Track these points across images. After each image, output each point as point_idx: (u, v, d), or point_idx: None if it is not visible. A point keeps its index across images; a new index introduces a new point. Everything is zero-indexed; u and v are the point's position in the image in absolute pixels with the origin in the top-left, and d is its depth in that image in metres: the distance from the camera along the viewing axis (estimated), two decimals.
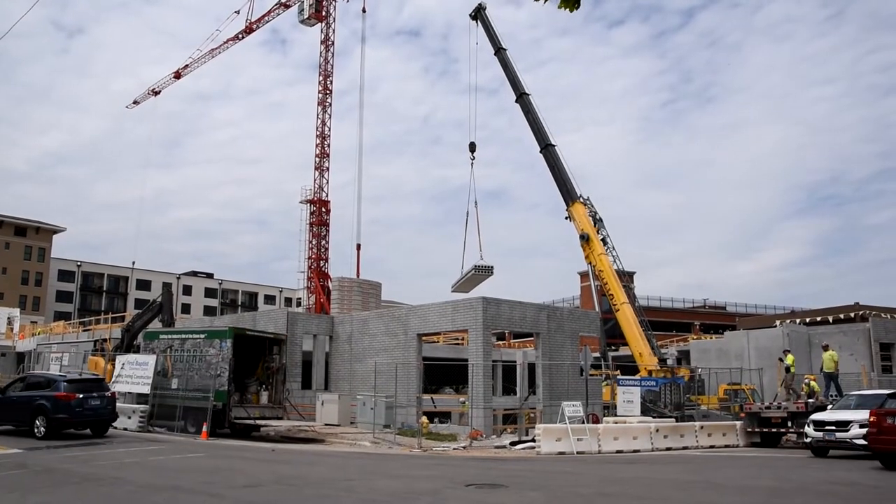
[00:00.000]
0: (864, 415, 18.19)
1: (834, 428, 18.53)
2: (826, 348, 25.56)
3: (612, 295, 30.42)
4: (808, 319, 57.34)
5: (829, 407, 20.98)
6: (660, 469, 16.19)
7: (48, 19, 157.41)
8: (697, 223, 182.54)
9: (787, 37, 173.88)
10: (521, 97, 34.97)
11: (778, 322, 55.19)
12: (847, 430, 18.17)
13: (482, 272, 35.50)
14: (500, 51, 36.26)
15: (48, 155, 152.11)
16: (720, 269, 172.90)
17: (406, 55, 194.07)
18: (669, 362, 35.42)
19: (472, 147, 38.61)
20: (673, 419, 23.71)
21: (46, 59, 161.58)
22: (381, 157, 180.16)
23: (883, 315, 51.21)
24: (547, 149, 33.63)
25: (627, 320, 29.90)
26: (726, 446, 22.07)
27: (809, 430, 19.07)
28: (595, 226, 31.50)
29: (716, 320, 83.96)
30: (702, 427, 22.51)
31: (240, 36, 59.15)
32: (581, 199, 32.20)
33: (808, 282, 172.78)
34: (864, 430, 17.70)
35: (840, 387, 24.92)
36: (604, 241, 31.23)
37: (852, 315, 56.70)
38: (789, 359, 25.47)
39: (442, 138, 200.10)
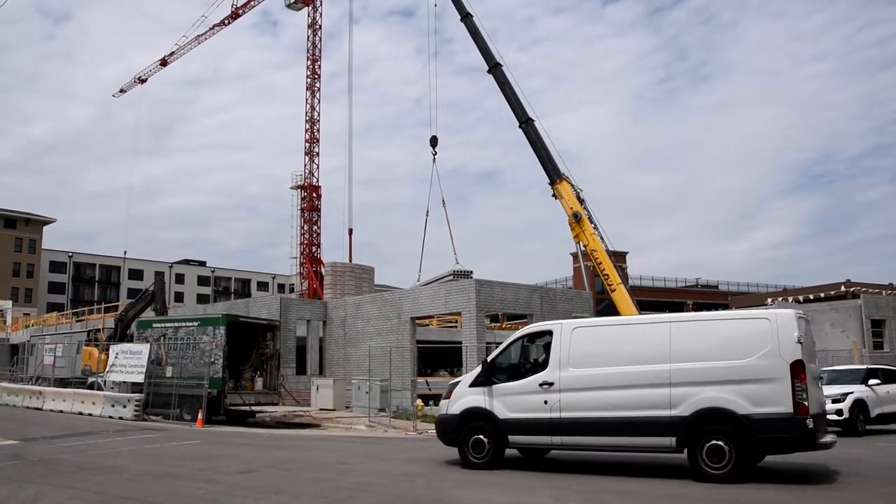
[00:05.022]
0: (836, 390, 17.77)
1: None
2: None
3: (606, 275, 30.20)
4: (800, 297, 57.67)
5: None
6: None
7: (33, 5, 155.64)
8: (690, 203, 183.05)
9: (781, 13, 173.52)
10: (495, 68, 32.73)
11: (770, 300, 55.48)
12: None
13: (460, 278, 34.23)
14: (466, 17, 33.60)
15: (36, 144, 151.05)
16: (713, 249, 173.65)
17: (398, 36, 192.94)
18: None
19: (434, 141, 35.59)
20: None
21: (32, 46, 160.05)
22: (373, 140, 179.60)
23: (874, 292, 51.53)
24: (527, 123, 31.87)
25: (626, 300, 29.71)
26: None
27: None
28: (581, 204, 31.03)
29: (708, 299, 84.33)
30: None
31: (226, 21, 58.70)
32: (565, 177, 31.57)
33: (799, 260, 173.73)
34: (837, 406, 17.36)
35: None
36: (589, 219, 30.75)
37: (844, 292, 57.04)
38: None
39: (435, 120, 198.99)
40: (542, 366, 11.87)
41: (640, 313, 29.67)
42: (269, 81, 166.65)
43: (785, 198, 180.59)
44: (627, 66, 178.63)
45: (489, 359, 12.55)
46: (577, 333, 11.76)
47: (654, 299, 76.00)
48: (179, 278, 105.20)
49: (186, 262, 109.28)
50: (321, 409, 26.81)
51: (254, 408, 24.05)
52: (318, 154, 55.92)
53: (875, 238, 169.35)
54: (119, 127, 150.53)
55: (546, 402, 11.55)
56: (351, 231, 52.53)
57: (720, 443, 10.23)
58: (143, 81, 64.49)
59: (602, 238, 30.63)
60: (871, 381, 18.33)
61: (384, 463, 13.67)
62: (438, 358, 42.13)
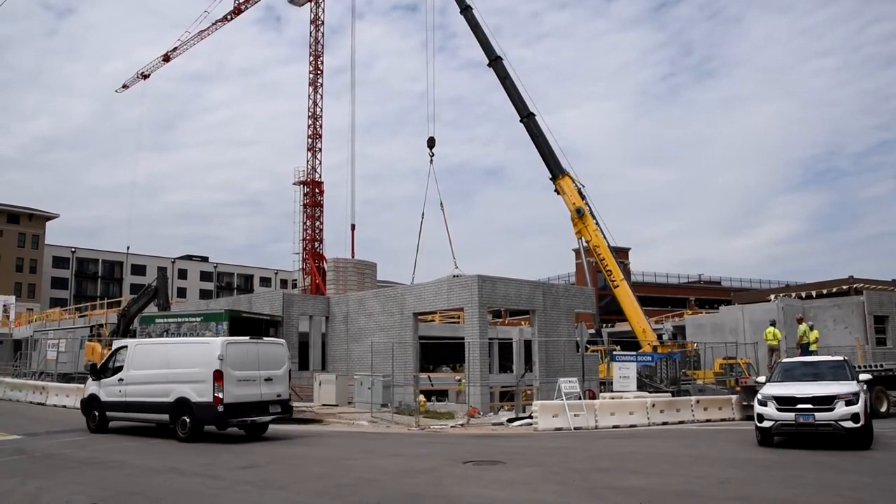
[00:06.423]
0: (841, 388, 14.06)
1: (811, 406, 13.87)
2: (800, 321, 25.54)
3: (609, 271, 30.24)
4: (803, 293, 57.61)
5: (762, 380, 17.38)
6: (656, 443, 16.31)
7: (36, 0, 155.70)
8: (693, 199, 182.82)
9: (787, 8, 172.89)
10: (495, 61, 32.67)
11: (772, 296, 55.44)
12: (832, 409, 13.71)
13: None
14: (466, 9, 33.50)
15: (38, 140, 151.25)
16: (716, 245, 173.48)
17: (402, 31, 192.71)
18: (665, 338, 35.57)
19: (431, 143, 34.96)
20: (669, 394, 23.85)
21: (35, 42, 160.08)
22: (376, 136, 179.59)
23: (878, 288, 51.47)
24: (528, 118, 31.95)
25: (628, 296, 29.73)
26: (722, 420, 22.22)
27: (768, 409, 14.38)
28: (583, 200, 30.96)
29: (711, 295, 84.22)
30: (698, 401, 22.65)
31: (228, 17, 58.68)
32: (567, 172, 31.44)
33: (802, 256, 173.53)
34: (852, 409, 13.57)
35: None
36: (591, 215, 30.70)
37: (846, 288, 56.94)
38: (769, 332, 25.24)
39: (438, 116, 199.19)
40: (122, 367, 17.33)
41: (641, 309, 29.77)
42: (272, 77, 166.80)
43: (789, 194, 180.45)
44: (631, 61, 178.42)
45: (100, 365, 18.41)
46: (138, 347, 17.77)
47: (657, 295, 75.98)
48: (182, 274, 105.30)
49: (189, 257, 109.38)
50: (323, 405, 26.83)
51: None
52: (320, 150, 56.05)
53: (879, 235, 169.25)
54: (122, 123, 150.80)
55: (120, 391, 17.20)
56: (353, 227, 52.64)
57: (186, 419, 15.88)
58: (146, 77, 64.45)
59: (604, 234, 30.68)
60: (863, 377, 15.12)
61: (386, 458, 13.68)
62: (441, 353, 42.21)
